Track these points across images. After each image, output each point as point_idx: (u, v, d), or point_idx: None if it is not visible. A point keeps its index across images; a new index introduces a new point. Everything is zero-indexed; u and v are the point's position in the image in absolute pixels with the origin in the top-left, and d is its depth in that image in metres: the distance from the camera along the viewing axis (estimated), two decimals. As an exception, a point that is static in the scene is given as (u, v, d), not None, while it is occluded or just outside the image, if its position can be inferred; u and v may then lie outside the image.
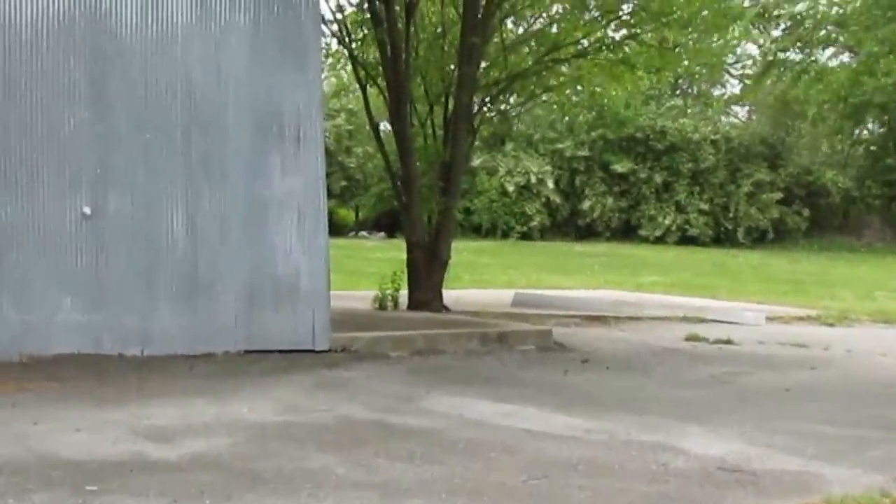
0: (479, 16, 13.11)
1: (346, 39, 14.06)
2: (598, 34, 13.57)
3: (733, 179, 42.22)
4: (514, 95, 14.43)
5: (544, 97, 15.47)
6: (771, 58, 41.17)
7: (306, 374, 8.85)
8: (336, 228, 44.42)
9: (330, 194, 42.89)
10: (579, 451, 6.11)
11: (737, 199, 41.63)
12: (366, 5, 13.51)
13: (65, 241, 8.74)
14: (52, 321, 8.71)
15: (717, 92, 52.56)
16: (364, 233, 42.55)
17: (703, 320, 15.59)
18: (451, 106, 13.76)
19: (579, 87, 15.12)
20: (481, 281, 22.55)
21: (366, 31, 13.98)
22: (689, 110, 45.94)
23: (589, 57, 13.67)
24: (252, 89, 9.35)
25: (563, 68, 14.05)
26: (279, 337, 9.40)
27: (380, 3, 13.11)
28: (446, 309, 13.55)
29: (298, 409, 7.44)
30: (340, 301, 15.99)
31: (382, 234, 39.55)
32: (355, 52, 14.14)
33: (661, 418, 7.27)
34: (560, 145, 42.32)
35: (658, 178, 42.00)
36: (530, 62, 13.93)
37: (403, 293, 13.86)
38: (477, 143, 14.47)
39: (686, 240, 41.37)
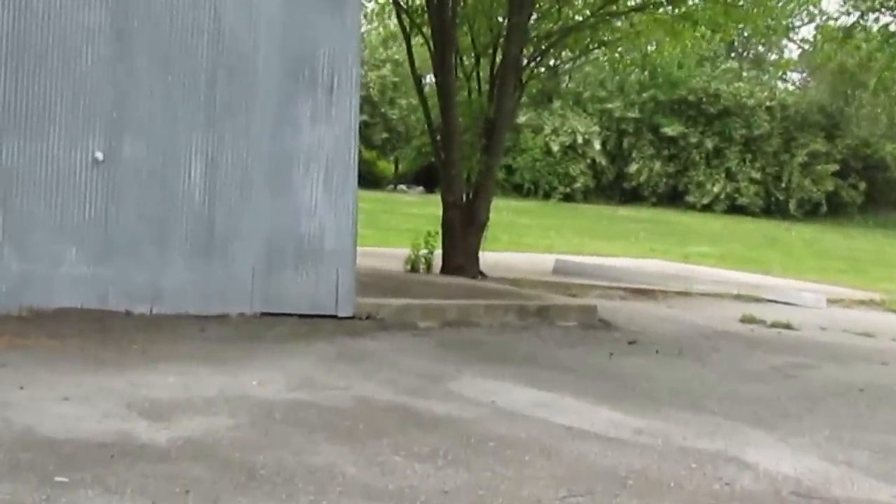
0: (533, -38, 12.25)
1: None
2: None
3: (787, 148, 41.02)
4: (566, 50, 13.48)
5: (597, 53, 14.46)
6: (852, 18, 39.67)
7: (326, 343, 8.12)
8: (375, 181, 43.90)
9: (371, 145, 42.73)
10: (627, 458, 5.30)
11: (790, 169, 40.45)
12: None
13: (73, 188, 8.01)
14: (55, 273, 8.00)
15: (772, 56, 51.00)
16: (403, 187, 41.85)
17: (758, 299, 14.74)
18: (498, 59, 12.89)
19: (634, 44, 14.11)
20: (520, 244, 21.76)
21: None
22: (744, 73, 44.53)
23: (648, 11, 12.71)
24: (284, 31, 8.55)
25: (619, 22, 13.08)
26: (299, 300, 8.67)
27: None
28: (482, 275, 12.77)
29: (313, 384, 6.71)
30: (371, 259, 15.26)
31: (421, 188, 38.84)
32: (400, -1, 13.32)
33: (721, 419, 6.45)
34: (609, 105, 41.24)
35: (709, 144, 40.87)
36: (585, 14, 12.98)
37: (438, 254, 13.11)
38: (523, 99, 13.52)
39: (735, 209, 40.29)
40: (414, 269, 12.86)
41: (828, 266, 22.99)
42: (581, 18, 12.60)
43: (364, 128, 40.97)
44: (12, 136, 7.82)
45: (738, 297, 14.72)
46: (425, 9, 12.70)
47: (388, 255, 15.35)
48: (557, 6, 12.56)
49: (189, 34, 8.29)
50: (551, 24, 12.78)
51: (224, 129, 8.38)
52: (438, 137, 12.80)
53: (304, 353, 7.68)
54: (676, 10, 12.50)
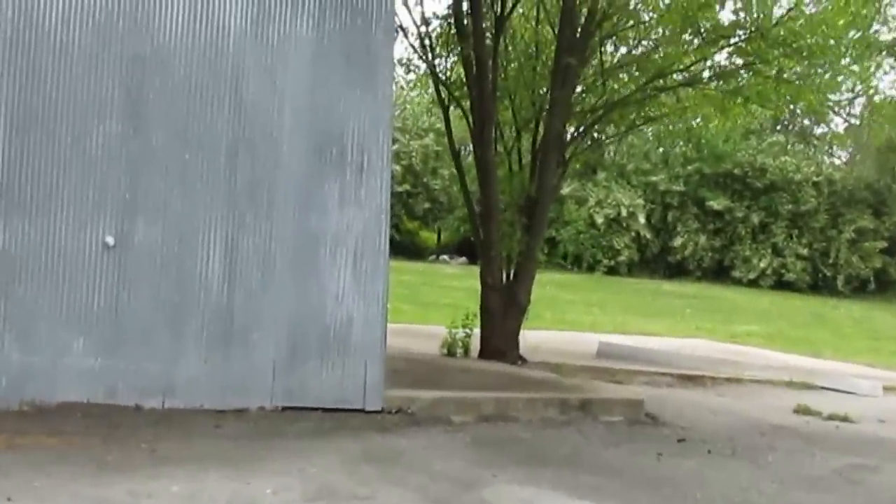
0: (577, 35, 11.72)
1: (429, 55, 12.75)
2: (709, 62, 12.08)
3: (834, 224, 40.13)
4: (611, 125, 12.96)
5: (643, 128, 13.93)
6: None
7: (352, 441, 7.50)
8: (417, 251, 43.56)
9: (413, 216, 42.32)
10: None
11: (838, 245, 39.53)
12: (451, 18, 12.21)
13: (81, 274, 7.51)
14: (59, 364, 7.47)
15: (819, 130, 50.31)
16: (445, 257, 41.41)
17: (811, 387, 13.93)
18: (540, 133, 12.38)
19: (681, 120, 13.56)
20: (563, 321, 21.08)
21: (450, 47, 12.68)
22: (789, 147, 43.80)
23: (696, 87, 12.17)
24: (311, 106, 8.07)
25: (664, 97, 12.55)
26: (324, 393, 8.08)
27: (467, 15, 11.82)
28: (522, 360, 12.12)
29: (334, 493, 6.09)
30: (406, 339, 14.68)
31: (464, 259, 38.39)
32: (438, 70, 12.84)
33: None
34: (654, 178, 40.67)
35: (755, 218, 40.09)
36: (630, 89, 12.45)
37: (476, 335, 12.49)
38: (567, 171, 13.00)
39: (781, 284, 39.38)
40: (450, 353, 12.24)
41: (880, 347, 22.05)
42: (627, 92, 12.07)
43: (407, 198, 40.68)
44: (16, 217, 7.35)
45: (790, 385, 13.93)
46: (464, 81, 12.25)
47: (425, 334, 14.76)
48: (602, 80, 12.04)
49: (209, 107, 7.82)
50: (596, 99, 12.27)
51: (245, 211, 7.88)
52: (477, 216, 12.26)
53: (326, 453, 7.06)
54: (726, 86, 11.97)
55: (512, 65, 13.11)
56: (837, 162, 46.50)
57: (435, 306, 22.28)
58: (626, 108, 12.22)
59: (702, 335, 21.33)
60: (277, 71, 7.99)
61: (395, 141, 41.28)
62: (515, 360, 11.97)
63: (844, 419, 11.01)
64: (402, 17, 12.38)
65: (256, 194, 7.93)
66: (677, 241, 40.37)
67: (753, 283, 39.36)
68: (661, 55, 11.75)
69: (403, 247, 42.23)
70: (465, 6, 11.93)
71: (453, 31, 12.35)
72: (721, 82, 11.98)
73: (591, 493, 6.53)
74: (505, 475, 6.85)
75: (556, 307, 23.41)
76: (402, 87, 44.73)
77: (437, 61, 12.90)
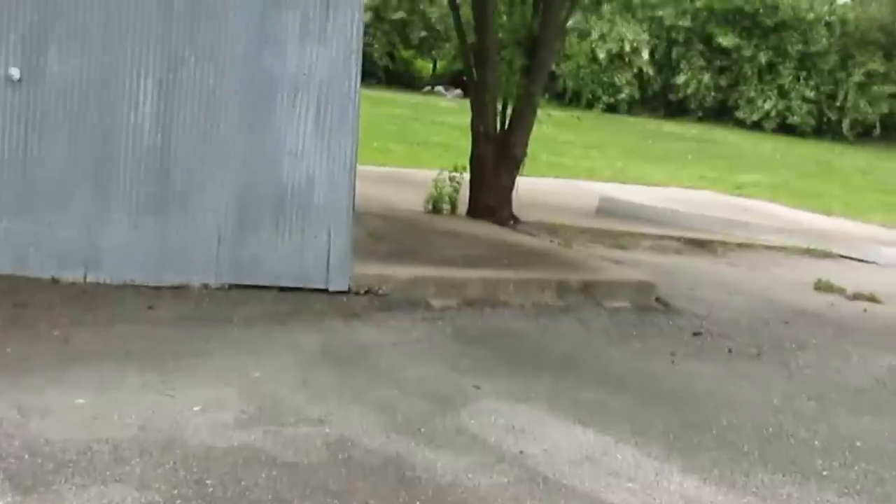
0: None
1: None
2: None
3: (844, 67, 38.40)
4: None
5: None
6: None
7: (310, 331, 6.25)
8: (411, 82, 41.69)
9: (408, 44, 40.34)
10: None
11: (846, 88, 37.95)
12: None
13: (-22, 116, 6.10)
14: (-48, 228, 6.15)
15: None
16: (440, 88, 39.80)
17: (829, 255, 12.72)
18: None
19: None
20: (559, 166, 19.69)
21: None
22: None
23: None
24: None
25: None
26: (280, 268, 6.76)
27: None
28: (515, 219, 10.77)
29: (279, 413, 4.87)
30: (390, 187, 13.32)
31: (459, 91, 36.79)
32: None
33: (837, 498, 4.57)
34: (660, 12, 38.54)
35: (762, 58, 38.30)
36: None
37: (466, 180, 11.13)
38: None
39: (785, 127, 38.01)
40: (436, 209, 10.85)
41: (891, 203, 20.81)
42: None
43: (402, 26, 38.61)
44: None
45: (807, 252, 12.72)
46: None
47: (412, 181, 13.41)
48: None
49: (141, -88, 6.22)
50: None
51: (183, 43, 6.36)
52: (470, 54, 10.67)
53: (276, 350, 5.82)
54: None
55: None
56: (851, 2, 44.40)
57: (426, 146, 20.86)
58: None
59: (706, 185, 20.04)
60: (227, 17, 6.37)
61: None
62: (508, 219, 10.61)
63: (871, 299, 9.83)
64: None
65: (198, 23, 6.39)
66: (680, 79, 38.75)
67: (756, 126, 37.97)
68: None
69: (398, 76, 40.39)
70: None
71: None
72: None
73: (594, 415, 5.33)
74: (491, 385, 5.63)
75: (553, 149, 21.94)
76: None
77: None
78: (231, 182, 6.58)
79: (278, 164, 6.66)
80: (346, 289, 6.88)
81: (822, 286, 10.29)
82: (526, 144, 10.71)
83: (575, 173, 19.41)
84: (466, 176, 10.95)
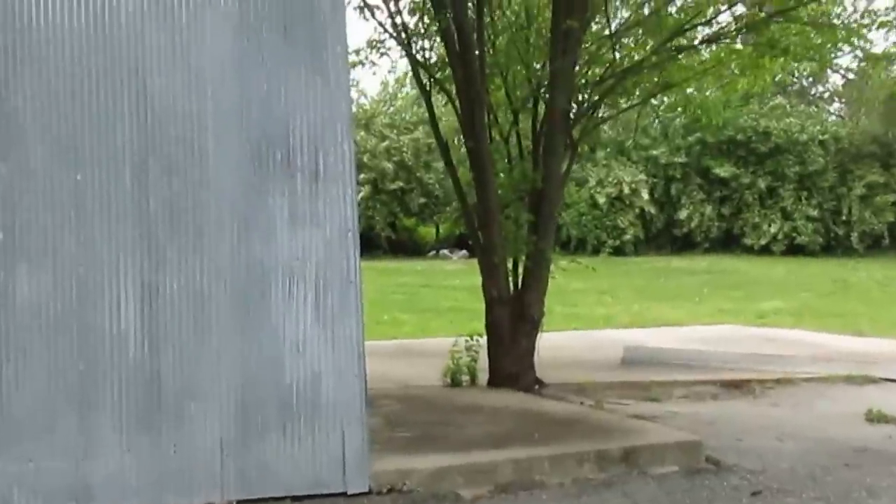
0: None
1: (403, 34, 10.70)
2: (734, 12, 10.06)
3: (844, 182, 38.55)
4: (624, 96, 10.90)
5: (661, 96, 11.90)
6: None
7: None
8: (416, 248, 41.59)
9: (409, 213, 40.38)
10: None
11: (849, 202, 37.96)
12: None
13: (-56, 344, 5.56)
14: (-79, 475, 5.52)
15: (815, 90, 48.44)
16: (445, 251, 39.72)
17: (871, 380, 12.00)
18: (541, 113, 10.38)
19: (707, 83, 11.47)
20: (575, 317, 19.14)
21: (427, 22, 10.63)
22: (787, 108, 41.83)
23: (723, 42, 10.18)
24: (241, 98, 6.06)
25: (684, 58, 10.49)
26: (291, 476, 6.09)
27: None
28: (540, 383, 10.12)
29: None
30: (406, 361, 12.75)
31: (464, 252, 36.63)
32: (415, 50, 10.79)
33: None
34: (654, 152, 38.88)
35: (762, 183, 38.46)
36: (644, 52, 10.43)
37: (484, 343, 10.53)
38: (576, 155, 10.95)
39: (794, 249, 37.84)
40: (455, 383, 10.22)
41: (920, 316, 20.15)
42: (642, 57, 10.02)
43: (401, 194, 38.78)
44: None
45: (849, 380, 12.00)
46: (446, 60, 10.23)
47: (426, 352, 12.86)
48: (612, 44, 9.98)
49: (103, 110, 5.81)
50: (604, 67, 10.24)
51: (164, 242, 5.88)
52: (474, 218, 10.24)
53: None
54: (758, 39, 9.96)
55: (500, 38, 11.08)
56: (836, 118, 44.73)
57: (436, 312, 20.38)
58: (641, 75, 10.18)
59: (727, 319, 19.43)
60: (192, 52, 5.99)
61: (384, 137, 39.47)
62: (531, 385, 9.96)
63: (930, 429, 9.11)
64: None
65: (178, 219, 5.93)
66: (683, 214, 38.78)
67: (765, 250, 37.77)
68: (680, 8, 9.74)
69: (402, 245, 40.39)
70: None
71: (428, 2, 10.32)
72: (754, 34, 9.95)
73: None
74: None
75: (566, 299, 21.46)
76: (384, 81, 42.78)
77: (413, 39, 10.83)
78: (229, 386, 5.99)
79: (279, 361, 6.09)
80: (366, 489, 6.20)
81: (874, 416, 9.58)
82: (542, 303, 10.16)
83: (592, 323, 18.85)
84: (483, 340, 10.38)
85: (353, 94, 44.62)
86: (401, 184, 39.01)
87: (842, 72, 42.97)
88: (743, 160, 39.05)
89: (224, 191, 6.02)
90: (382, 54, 11.02)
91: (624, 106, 11.28)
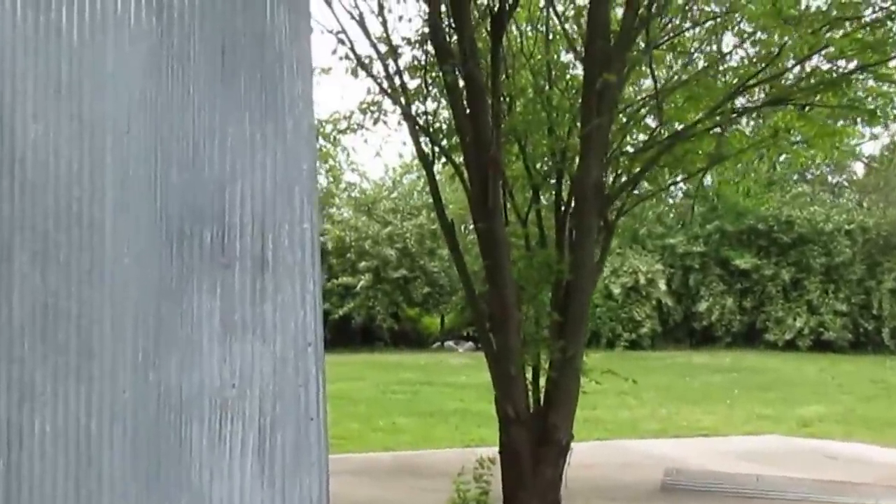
0: (614, 43, 7.95)
1: (402, 96, 8.95)
2: (810, 64, 8.28)
3: (873, 274, 36.60)
4: (669, 168, 9.05)
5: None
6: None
7: None
8: (420, 340, 39.51)
9: (412, 302, 38.46)
10: None
11: (879, 296, 35.94)
12: (426, 35, 8.44)
13: None
14: None
15: (836, 178, 46.97)
16: (451, 343, 37.86)
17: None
18: (568, 189, 8.57)
19: (772, 153, 9.65)
20: (596, 421, 17.14)
21: (429, 79, 8.88)
22: (808, 198, 40.22)
23: (792, 103, 8.39)
24: (155, 152, 4.20)
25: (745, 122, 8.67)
26: None
27: (450, 29, 8.06)
28: (569, 524, 8.12)
29: None
30: (403, 483, 10.82)
31: (470, 344, 34.80)
32: (416, 113, 9.03)
33: None
34: (671, 240, 37.12)
35: (786, 275, 36.55)
36: (692, 119, 8.61)
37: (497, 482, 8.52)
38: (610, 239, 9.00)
39: (821, 345, 35.77)
40: (462, 523, 8.25)
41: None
42: (693, 119, 8.20)
43: (404, 283, 36.96)
44: None
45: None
46: (453, 124, 8.46)
47: (428, 471, 10.90)
48: (657, 103, 8.14)
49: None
50: (649, 132, 8.42)
51: (34, 366, 3.96)
52: (485, 316, 8.35)
53: None
54: (834, 98, 8.19)
55: (518, 101, 9.33)
56: (860, 207, 43.07)
57: (440, 415, 18.38)
58: (696, 141, 8.35)
59: (767, 427, 17.38)
60: (83, 89, 4.13)
61: (387, 223, 37.67)
62: (558, 526, 7.97)
63: None
64: (362, 47, 8.61)
65: (54, 331, 4.01)
66: (702, 306, 36.87)
67: (790, 346, 35.79)
68: (741, 64, 7.95)
69: (404, 336, 38.46)
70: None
71: (431, 53, 8.56)
72: (829, 94, 8.16)
73: None
74: None
75: (584, 401, 19.45)
76: (387, 164, 41.33)
77: (414, 101, 9.07)
78: (126, 578, 4.00)
79: (204, 535, 4.10)
80: None
81: None
82: (570, 423, 8.22)
83: (616, 430, 16.86)
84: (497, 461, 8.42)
85: (354, 177, 43.04)
86: (404, 272, 37.17)
87: (864, 159, 41.68)
88: (765, 250, 37.27)
89: (125, 287, 4.09)
90: (377, 120, 9.23)
91: (670, 180, 9.44)
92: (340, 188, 43.14)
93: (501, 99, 8.33)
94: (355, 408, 18.92)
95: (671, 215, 37.10)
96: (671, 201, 38.65)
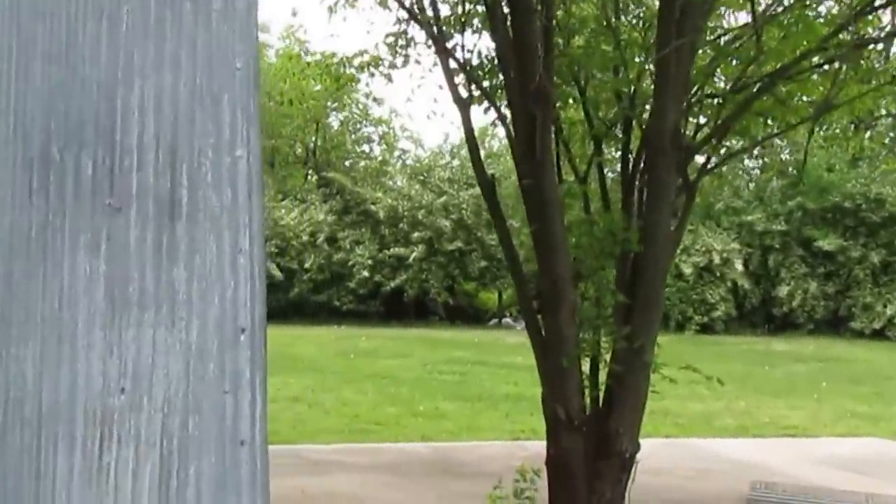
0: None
1: (434, 27, 7.38)
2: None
3: (972, 257, 34.05)
4: (777, 113, 7.31)
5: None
6: None
7: None
8: (476, 316, 37.99)
9: (468, 276, 36.92)
10: None
11: (978, 280, 33.45)
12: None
13: None
14: None
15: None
16: (508, 320, 36.31)
17: None
18: (636, 140, 6.95)
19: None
20: (664, 414, 15.41)
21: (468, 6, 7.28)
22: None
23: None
24: (12, 42, 2.68)
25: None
26: None
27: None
28: (633, 555, 6.52)
29: None
30: (433, 489, 9.36)
31: (528, 321, 33.10)
32: (452, 47, 7.44)
33: None
34: (748, 217, 34.93)
35: (875, 258, 34.05)
36: (791, 56, 6.90)
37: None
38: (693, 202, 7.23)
39: (914, 334, 33.27)
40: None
41: None
42: (791, 59, 6.48)
43: (459, 256, 35.41)
44: None
45: None
46: (495, 62, 6.88)
47: (466, 470, 9.42)
48: (755, 31, 6.39)
49: None
50: (741, 67, 6.74)
51: None
52: (533, 293, 6.77)
53: None
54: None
55: (578, 36, 7.70)
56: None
57: (489, 400, 16.81)
58: (802, 81, 6.64)
59: (863, 428, 15.45)
60: None
61: (442, 193, 36.20)
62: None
63: None
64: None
65: None
66: (783, 290, 34.57)
67: (878, 335, 33.33)
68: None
69: (460, 311, 37.04)
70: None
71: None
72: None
73: None
74: None
75: (662, 381, 17.81)
76: (447, 134, 39.61)
77: (447, 31, 7.49)
78: None
79: None
80: None
81: None
82: (636, 430, 6.60)
83: (688, 426, 15.13)
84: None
85: (408, 144, 41.45)
86: (459, 244, 35.50)
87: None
88: (852, 231, 34.80)
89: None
90: (406, 56, 7.68)
91: (768, 132, 7.71)
92: (395, 155, 41.72)
93: (555, 23, 6.70)
94: (397, 389, 17.50)
95: (750, 187, 35.03)
96: (749, 171, 36.52)
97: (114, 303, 2.52)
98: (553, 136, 6.63)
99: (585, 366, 6.83)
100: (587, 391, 6.67)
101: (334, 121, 42.24)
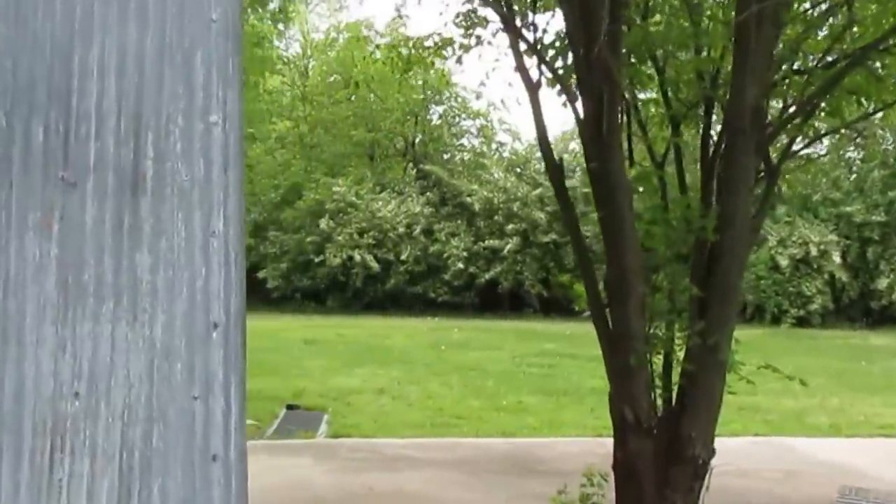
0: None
1: (501, 3, 7.00)
2: None
3: None
4: (872, 92, 6.75)
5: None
6: None
7: None
8: (570, 308, 37.43)
9: (563, 268, 36.46)
10: None
11: None
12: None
13: None
14: None
15: None
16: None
17: None
18: (716, 122, 6.46)
19: None
20: (754, 410, 14.84)
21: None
22: None
23: None
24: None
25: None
26: None
27: None
28: (707, 568, 6.05)
29: None
30: (506, 490, 9.00)
31: (625, 314, 32.37)
32: (520, 24, 7.04)
33: None
34: (847, 208, 33.81)
35: (982, 250, 32.70)
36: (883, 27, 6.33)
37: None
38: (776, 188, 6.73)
39: None
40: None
41: None
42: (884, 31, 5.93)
43: (554, 248, 35.04)
44: None
45: None
46: (566, 41, 6.47)
47: (543, 468, 9.07)
48: (845, 2, 5.84)
49: None
50: (828, 43, 6.20)
51: None
52: (600, 286, 6.37)
53: None
54: None
55: (657, 13, 7.24)
56: None
57: (575, 395, 16.41)
58: (893, 55, 6.09)
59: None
60: None
61: (537, 185, 35.85)
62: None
63: None
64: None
65: None
66: (882, 283, 33.45)
67: None
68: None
69: (556, 303, 36.68)
70: None
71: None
72: None
73: None
74: None
75: (742, 385, 17.12)
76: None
77: (517, 9, 7.10)
78: None
79: None
80: None
81: None
82: (711, 434, 6.13)
83: (778, 423, 14.51)
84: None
85: (506, 137, 41.03)
86: (554, 236, 35.21)
87: None
88: (954, 223, 33.59)
89: None
90: (478, 36, 7.30)
91: (859, 113, 7.14)
92: (492, 148, 41.68)
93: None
94: (483, 382, 17.22)
95: (851, 178, 33.88)
96: (851, 162, 35.26)
97: (67, 292, 2.22)
98: (626, 117, 6.19)
99: (658, 364, 6.37)
100: (658, 392, 6.21)
101: (434, 114, 42.47)
